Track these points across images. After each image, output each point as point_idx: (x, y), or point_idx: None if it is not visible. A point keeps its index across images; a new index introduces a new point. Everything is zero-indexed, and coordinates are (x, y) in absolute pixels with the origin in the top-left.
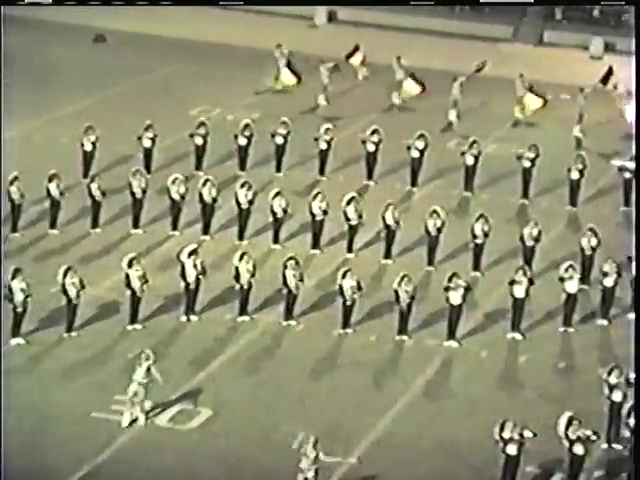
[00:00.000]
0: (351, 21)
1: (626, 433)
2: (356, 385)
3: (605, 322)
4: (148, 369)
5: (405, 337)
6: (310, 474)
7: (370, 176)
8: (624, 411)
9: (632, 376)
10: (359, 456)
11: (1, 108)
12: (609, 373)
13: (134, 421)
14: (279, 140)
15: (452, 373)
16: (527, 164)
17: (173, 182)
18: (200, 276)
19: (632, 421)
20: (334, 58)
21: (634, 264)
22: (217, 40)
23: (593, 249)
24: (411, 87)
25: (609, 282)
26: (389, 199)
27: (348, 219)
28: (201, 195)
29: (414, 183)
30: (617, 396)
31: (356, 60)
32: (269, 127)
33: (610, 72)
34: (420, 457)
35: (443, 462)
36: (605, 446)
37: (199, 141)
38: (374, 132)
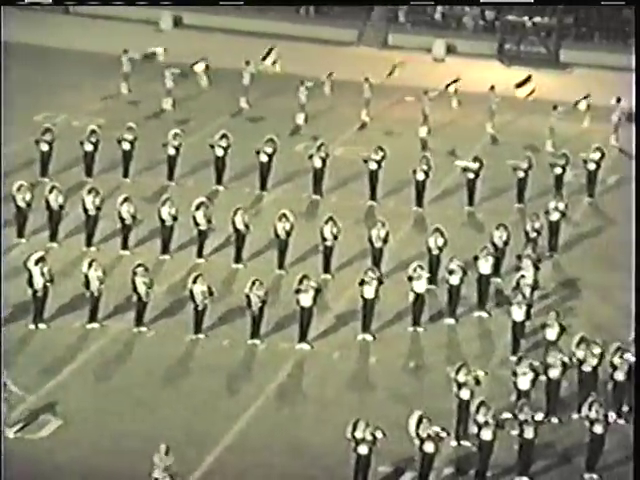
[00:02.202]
0: (197, 25)
1: (474, 430)
2: (209, 390)
3: (452, 321)
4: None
5: (257, 341)
6: None
7: (219, 181)
8: (472, 408)
9: (480, 374)
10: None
11: (1, 106)
12: (457, 371)
13: None
14: (126, 146)
15: (304, 376)
16: (374, 166)
17: (19, 189)
18: (48, 283)
19: (480, 417)
20: (180, 63)
21: (634, 265)
22: (61, 45)
23: (439, 249)
24: None
25: (455, 281)
26: (238, 203)
27: (197, 224)
28: (48, 202)
29: (263, 187)
30: (465, 394)
31: (199, 67)
32: (115, 133)
33: (455, 81)
34: (274, 460)
35: (297, 464)
36: (454, 443)
37: (45, 147)
38: (223, 137)
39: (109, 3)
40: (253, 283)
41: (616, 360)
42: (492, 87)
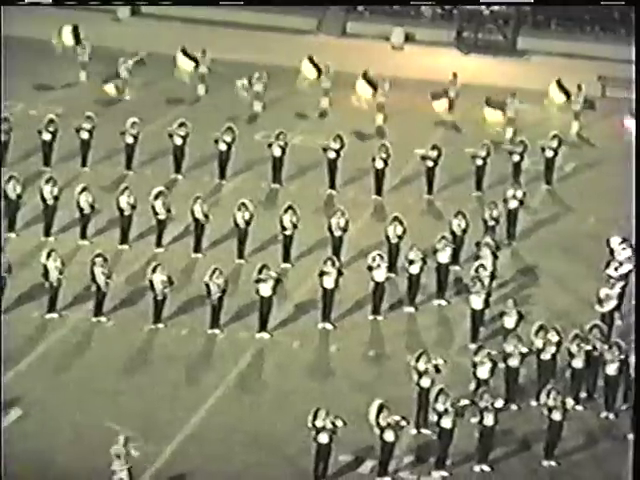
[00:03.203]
0: (155, 14)
1: (434, 418)
2: (169, 380)
3: (412, 309)
4: None
5: (217, 330)
6: (124, 474)
7: (178, 170)
8: (432, 396)
9: (440, 362)
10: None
11: (1, 99)
12: (417, 359)
13: None
14: (84, 135)
15: (265, 365)
16: (333, 155)
17: None
18: (5, 274)
19: (439, 406)
20: (137, 52)
21: (634, 263)
22: (19, 34)
23: (399, 237)
24: None
25: (415, 270)
26: (197, 192)
27: (156, 213)
28: (5, 192)
29: (222, 176)
30: (425, 382)
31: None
32: (73, 122)
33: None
34: (235, 450)
35: (258, 454)
36: (414, 432)
37: (3, 137)
38: (181, 125)
39: (109, 3)
40: (213, 272)
41: (574, 348)
42: (454, 75)
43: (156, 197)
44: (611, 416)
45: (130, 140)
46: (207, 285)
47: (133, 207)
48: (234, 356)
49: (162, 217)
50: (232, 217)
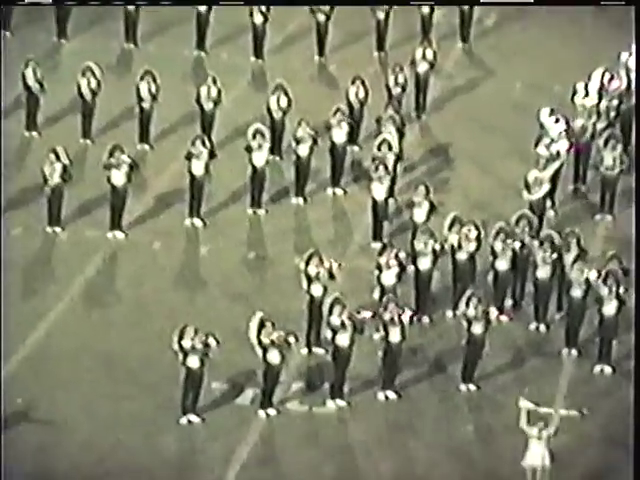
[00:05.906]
0: None
1: (328, 334)
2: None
3: (300, 200)
4: None
5: (58, 228)
6: None
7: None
8: (325, 308)
9: (335, 265)
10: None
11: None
12: (307, 262)
13: None
14: None
15: (118, 270)
16: (202, 7)
17: None
18: None
19: (334, 319)
20: None
21: (634, 260)
22: None
23: (283, 111)
24: None
25: (304, 151)
26: (30, 54)
27: None
28: None
29: (62, 34)
30: (317, 290)
31: None
32: None
33: None
34: (83, 376)
35: (112, 381)
36: (305, 351)
37: None
38: None
39: (109, 3)
40: (54, 155)
41: (497, 245)
42: None
43: None
44: (542, 328)
45: None
46: (42, 171)
47: None
48: (80, 260)
49: None
50: (75, 85)
